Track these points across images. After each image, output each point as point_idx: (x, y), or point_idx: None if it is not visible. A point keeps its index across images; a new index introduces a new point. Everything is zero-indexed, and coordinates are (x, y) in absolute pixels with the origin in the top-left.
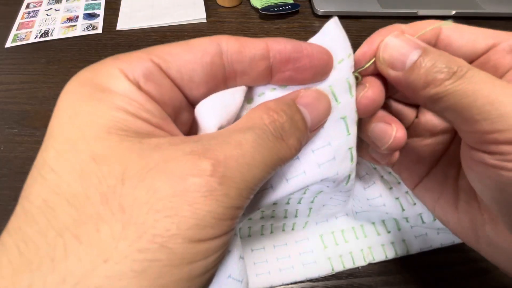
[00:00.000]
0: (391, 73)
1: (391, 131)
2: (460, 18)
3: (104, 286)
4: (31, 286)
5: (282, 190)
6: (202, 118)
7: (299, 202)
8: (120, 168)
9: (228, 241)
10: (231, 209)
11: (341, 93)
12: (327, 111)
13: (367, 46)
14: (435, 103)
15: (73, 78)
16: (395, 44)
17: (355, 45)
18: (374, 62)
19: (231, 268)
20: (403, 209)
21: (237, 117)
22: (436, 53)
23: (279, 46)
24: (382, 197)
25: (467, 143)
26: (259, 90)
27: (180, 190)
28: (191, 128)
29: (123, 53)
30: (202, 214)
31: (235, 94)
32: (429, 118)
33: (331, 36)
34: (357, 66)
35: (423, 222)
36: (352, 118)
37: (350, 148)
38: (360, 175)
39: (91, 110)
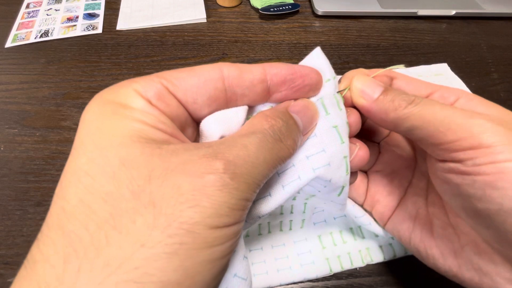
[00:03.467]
0: (363, 103)
1: (354, 148)
2: (460, 18)
3: (142, 266)
4: (80, 270)
5: (280, 196)
6: (207, 129)
7: (294, 199)
8: (147, 171)
9: (239, 231)
10: (242, 200)
11: (330, 106)
12: (315, 116)
13: (344, 82)
14: (402, 123)
15: (95, 97)
16: (364, 82)
17: (355, 45)
18: (349, 91)
19: (236, 267)
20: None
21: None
22: (395, 89)
23: (275, 70)
24: (366, 216)
25: (435, 156)
26: (258, 108)
27: (199, 186)
28: (195, 141)
29: (137, 77)
30: (219, 205)
31: (238, 112)
32: (390, 155)
33: (318, 61)
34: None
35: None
36: (344, 129)
37: (345, 157)
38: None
39: (115, 123)
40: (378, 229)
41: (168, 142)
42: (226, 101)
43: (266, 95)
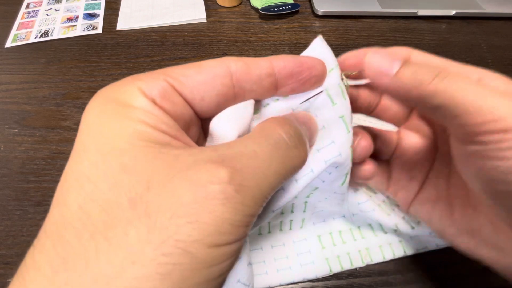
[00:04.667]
0: (381, 80)
1: (355, 139)
2: (460, 18)
3: (132, 287)
4: (67, 284)
5: (293, 190)
6: (221, 129)
7: (296, 197)
8: (146, 177)
9: (241, 247)
10: (247, 216)
11: (336, 96)
12: (317, 128)
13: (353, 58)
14: (429, 100)
15: (96, 95)
16: (378, 56)
17: (355, 45)
18: (360, 72)
19: (240, 273)
20: (388, 214)
21: (249, 127)
22: (416, 63)
23: (282, 63)
24: (369, 201)
25: (460, 139)
26: (264, 101)
27: (201, 197)
28: (198, 141)
29: (141, 73)
30: (221, 221)
31: (247, 107)
32: (410, 140)
33: (320, 50)
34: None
35: (412, 228)
36: (350, 118)
37: (351, 146)
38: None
39: (117, 124)
40: (382, 216)
41: (171, 144)
42: (234, 97)
43: (274, 88)
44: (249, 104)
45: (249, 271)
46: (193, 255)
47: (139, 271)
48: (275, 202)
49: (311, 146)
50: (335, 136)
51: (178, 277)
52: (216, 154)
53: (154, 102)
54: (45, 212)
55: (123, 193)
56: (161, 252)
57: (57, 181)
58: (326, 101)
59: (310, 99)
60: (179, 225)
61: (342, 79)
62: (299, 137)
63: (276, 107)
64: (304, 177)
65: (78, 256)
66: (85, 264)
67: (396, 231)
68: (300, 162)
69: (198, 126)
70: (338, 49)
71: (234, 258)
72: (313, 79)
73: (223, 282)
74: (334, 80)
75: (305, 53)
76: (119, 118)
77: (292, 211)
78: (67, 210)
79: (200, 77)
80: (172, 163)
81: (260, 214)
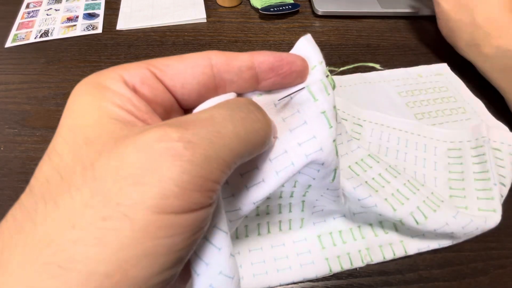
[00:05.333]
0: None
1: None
2: None
3: (69, 249)
4: (16, 245)
5: (274, 182)
6: None
7: (292, 196)
8: (100, 147)
9: (199, 223)
10: (199, 178)
11: (318, 92)
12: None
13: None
14: None
15: (82, 80)
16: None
17: (355, 45)
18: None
19: (222, 265)
20: (394, 209)
21: None
22: None
23: (262, 58)
24: (372, 197)
25: None
26: (247, 95)
27: (145, 157)
28: None
29: (126, 63)
30: (166, 182)
31: (227, 98)
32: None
33: (305, 49)
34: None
35: (417, 223)
36: (332, 114)
37: (334, 141)
38: (346, 177)
39: (89, 103)
40: (385, 211)
41: (133, 123)
42: (215, 87)
43: (255, 82)
44: (231, 96)
45: (232, 263)
46: (132, 221)
47: (77, 234)
48: (254, 192)
49: (274, 137)
50: (317, 131)
51: (116, 245)
52: (171, 120)
53: (134, 88)
54: None
55: (80, 162)
56: (101, 215)
57: None
58: (308, 97)
59: (291, 95)
60: (122, 187)
61: (327, 75)
62: (260, 108)
63: (260, 101)
64: (285, 169)
65: (29, 219)
66: (33, 226)
67: (398, 230)
68: (262, 127)
69: (180, 114)
70: (338, 49)
71: (189, 235)
72: (293, 74)
73: (179, 263)
74: (316, 76)
75: (293, 49)
76: (92, 98)
77: (290, 211)
78: (35, 181)
79: (181, 66)
80: (127, 132)
81: (241, 205)
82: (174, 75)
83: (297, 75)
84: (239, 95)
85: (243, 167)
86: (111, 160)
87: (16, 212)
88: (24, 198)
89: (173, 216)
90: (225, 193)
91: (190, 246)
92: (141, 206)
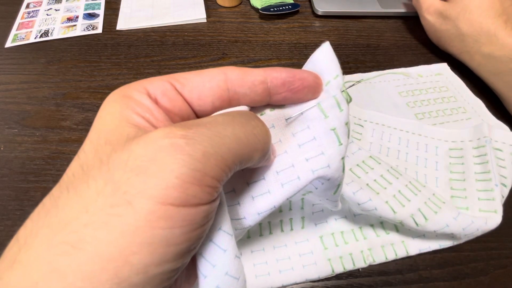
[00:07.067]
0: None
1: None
2: None
3: (81, 231)
4: (42, 226)
5: (279, 194)
6: None
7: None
8: (116, 143)
9: (198, 222)
10: (197, 172)
11: (329, 108)
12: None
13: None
14: None
15: (115, 90)
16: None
17: (355, 45)
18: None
19: (228, 266)
20: (394, 212)
21: None
22: None
23: (275, 73)
24: (372, 201)
25: None
26: (260, 109)
27: (151, 150)
28: None
29: (152, 77)
30: (167, 173)
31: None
32: None
33: (321, 61)
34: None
35: (417, 224)
36: (343, 130)
37: (342, 158)
38: (346, 182)
39: (112, 110)
40: (385, 213)
41: (149, 130)
42: (229, 100)
43: (267, 96)
44: (242, 109)
45: (237, 264)
46: (135, 208)
47: (89, 218)
48: (259, 203)
49: (273, 156)
50: (326, 147)
51: (120, 230)
52: (179, 123)
53: (155, 99)
54: None
55: (98, 157)
56: (110, 202)
57: (57, 181)
58: (319, 114)
59: (303, 112)
60: (129, 177)
61: (342, 90)
62: (259, 118)
63: (272, 115)
64: (290, 182)
65: (55, 205)
66: (56, 211)
67: (399, 231)
68: (260, 133)
69: None
70: (338, 49)
71: (187, 229)
72: (305, 90)
73: (180, 257)
74: (330, 92)
75: (310, 59)
76: (117, 106)
77: (290, 209)
78: (65, 176)
79: (199, 79)
80: (139, 134)
81: (246, 215)
82: (193, 87)
83: (308, 91)
84: (252, 108)
85: (250, 176)
86: (123, 154)
87: (46, 200)
88: (54, 189)
89: (173, 208)
90: (231, 201)
91: (190, 242)
92: (144, 194)
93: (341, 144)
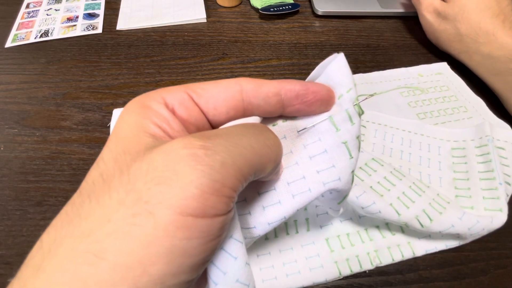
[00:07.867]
0: None
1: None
2: None
3: (103, 241)
4: (66, 235)
5: (290, 205)
6: None
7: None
8: (135, 153)
9: (215, 233)
10: (215, 182)
11: (341, 122)
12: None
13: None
14: None
15: (134, 98)
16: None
17: (355, 45)
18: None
19: (239, 273)
20: (399, 214)
21: None
22: None
23: (289, 86)
24: (376, 204)
25: None
26: (273, 120)
27: (171, 161)
28: None
29: (169, 87)
30: (187, 184)
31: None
32: None
33: (335, 73)
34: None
35: (422, 226)
36: (354, 144)
37: (352, 171)
38: None
39: (131, 119)
40: (389, 216)
41: (165, 140)
42: (243, 110)
43: (280, 107)
44: (256, 120)
45: (248, 271)
46: (156, 218)
47: (110, 228)
48: (269, 213)
49: (281, 169)
50: (337, 160)
51: (139, 240)
52: (196, 133)
53: (173, 109)
54: (45, 212)
55: (118, 167)
56: (131, 212)
57: (57, 181)
58: (330, 127)
59: (315, 125)
60: (150, 187)
61: (355, 104)
62: (271, 130)
63: (284, 126)
64: (301, 194)
65: (77, 214)
66: (79, 220)
67: (404, 232)
68: (273, 143)
69: None
70: (338, 49)
71: (205, 241)
72: (318, 103)
73: (196, 268)
74: (343, 105)
75: (324, 71)
76: (136, 116)
77: None
78: (84, 184)
79: (215, 90)
80: (157, 144)
81: (255, 224)
82: (209, 98)
83: (321, 104)
84: (265, 118)
85: (261, 186)
86: (143, 164)
87: (68, 208)
88: (75, 197)
89: (192, 219)
90: (242, 210)
91: (206, 253)
92: (165, 205)
93: (352, 157)
